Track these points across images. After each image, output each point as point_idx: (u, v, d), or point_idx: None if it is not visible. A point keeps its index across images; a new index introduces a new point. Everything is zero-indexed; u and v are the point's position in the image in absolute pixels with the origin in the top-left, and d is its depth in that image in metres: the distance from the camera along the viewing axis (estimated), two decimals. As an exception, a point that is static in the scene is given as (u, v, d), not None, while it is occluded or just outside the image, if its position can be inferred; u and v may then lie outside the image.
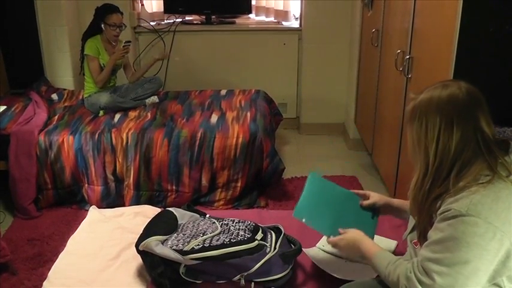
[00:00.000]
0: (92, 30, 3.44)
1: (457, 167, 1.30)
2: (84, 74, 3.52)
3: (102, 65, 3.44)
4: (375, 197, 1.81)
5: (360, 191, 1.86)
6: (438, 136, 1.31)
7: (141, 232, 1.85)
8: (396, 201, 1.79)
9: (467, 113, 1.30)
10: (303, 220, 1.70)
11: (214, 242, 1.72)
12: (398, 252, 1.89)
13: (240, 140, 3.04)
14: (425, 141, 1.33)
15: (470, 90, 1.32)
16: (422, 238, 1.39)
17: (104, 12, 3.38)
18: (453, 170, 1.30)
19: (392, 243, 1.95)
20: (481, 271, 1.23)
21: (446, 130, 1.30)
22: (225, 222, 1.87)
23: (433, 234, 1.30)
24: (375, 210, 1.80)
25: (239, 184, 3.08)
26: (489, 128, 1.31)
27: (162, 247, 1.73)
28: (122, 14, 3.43)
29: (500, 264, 1.24)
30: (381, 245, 1.57)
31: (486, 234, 1.21)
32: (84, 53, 3.40)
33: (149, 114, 3.36)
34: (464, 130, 1.29)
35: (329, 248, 1.82)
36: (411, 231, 1.55)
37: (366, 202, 1.80)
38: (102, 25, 3.38)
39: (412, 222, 1.54)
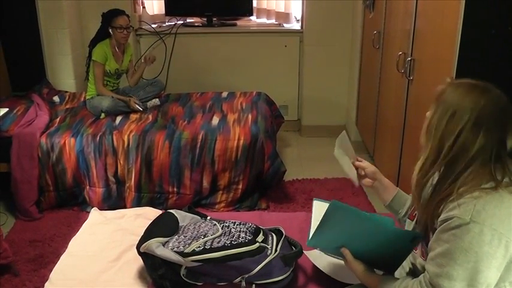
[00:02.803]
0: (100, 36, 3.45)
1: (469, 171, 1.26)
2: (88, 80, 3.53)
3: (108, 71, 3.45)
4: (369, 167, 1.71)
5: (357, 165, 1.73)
6: (460, 131, 1.25)
7: (142, 234, 1.85)
8: (386, 180, 1.71)
9: (499, 124, 1.25)
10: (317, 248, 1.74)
11: (215, 244, 1.72)
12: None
13: (241, 142, 3.04)
14: (443, 130, 1.28)
15: (507, 101, 1.28)
16: (423, 241, 1.38)
17: (110, 16, 3.41)
18: (464, 173, 1.26)
19: None
20: (492, 279, 1.20)
21: (472, 131, 1.25)
22: (226, 224, 1.87)
23: (436, 246, 1.26)
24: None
25: (240, 186, 3.08)
26: (511, 141, 1.27)
27: (163, 249, 1.73)
28: (128, 16, 3.46)
29: (504, 270, 1.22)
30: None
31: (493, 241, 1.18)
32: (92, 58, 3.41)
33: (150, 117, 3.37)
34: (489, 139, 1.24)
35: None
36: None
37: (357, 163, 1.71)
38: (110, 29, 3.41)
39: (409, 227, 1.51)
